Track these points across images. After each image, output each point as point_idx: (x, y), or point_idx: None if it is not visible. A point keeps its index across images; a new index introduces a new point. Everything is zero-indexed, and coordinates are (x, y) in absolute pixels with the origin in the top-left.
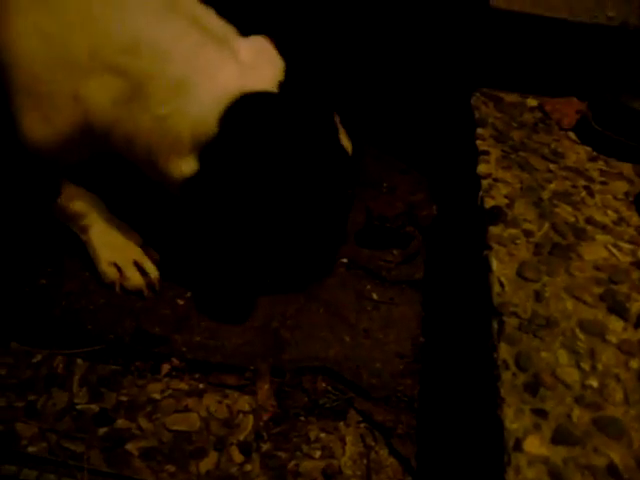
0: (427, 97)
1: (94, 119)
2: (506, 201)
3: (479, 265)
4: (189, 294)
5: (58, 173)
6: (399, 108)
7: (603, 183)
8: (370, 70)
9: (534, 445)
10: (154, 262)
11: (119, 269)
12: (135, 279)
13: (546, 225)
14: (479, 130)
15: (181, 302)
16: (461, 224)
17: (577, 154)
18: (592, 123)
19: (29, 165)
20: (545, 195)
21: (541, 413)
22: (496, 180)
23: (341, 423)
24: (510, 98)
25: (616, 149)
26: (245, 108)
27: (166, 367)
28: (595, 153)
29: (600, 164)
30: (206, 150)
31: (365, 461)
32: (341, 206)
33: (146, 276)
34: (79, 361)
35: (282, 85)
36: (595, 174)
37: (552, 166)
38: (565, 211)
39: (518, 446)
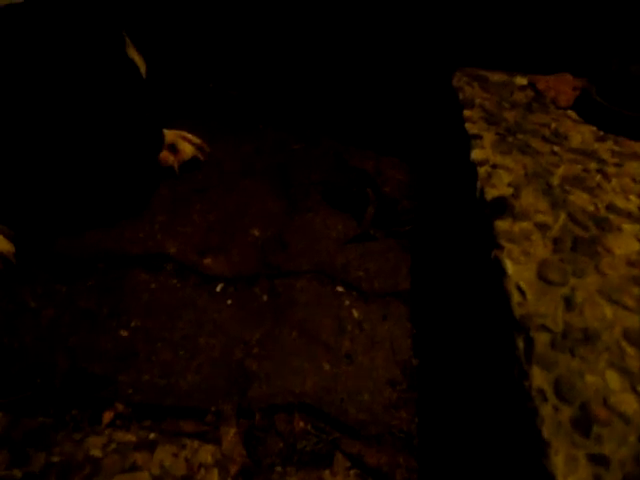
0: (402, 77)
1: None
2: (510, 190)
3: (488, 268)
4: (134, 323)
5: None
6: (374, 90)
7: (617, 165)
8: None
9: None
10: (8, 237)
11: None
12: None
13: (562, 216)
14: (466, 112)
15: (125, 333)
16: (454, 220)
17: (581, 134)
18: (596, 98)
19: None
20: (554, 181)
21: (600, 460)
22: (495, 167)
23: (326, 471)
24: (496, 77)
25: (626, 126)
26: None
27: (108, 415)
28: (602, 132)
29: (609, 144)
30: None
31: None
32: (134, 123)
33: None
34: None
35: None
36: (606, 155)
37: (556, 148)
38: (581, 198)
39: None
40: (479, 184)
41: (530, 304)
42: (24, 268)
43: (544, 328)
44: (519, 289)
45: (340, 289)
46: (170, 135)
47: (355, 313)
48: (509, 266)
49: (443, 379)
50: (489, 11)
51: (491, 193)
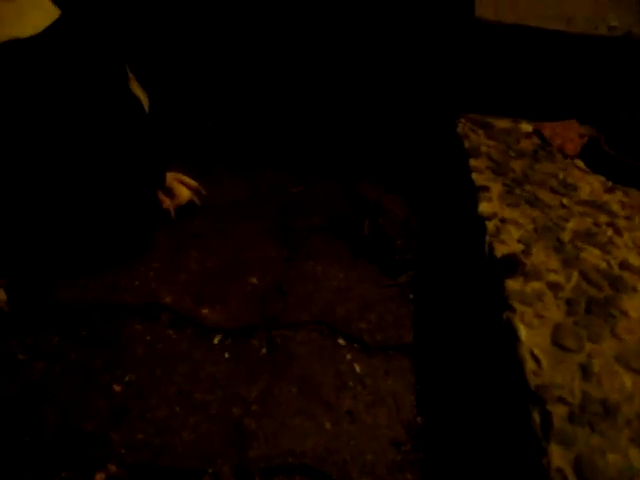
0: (406, 120)
1: None
2: (521, 247)
3: (499, 330)
4: (128, 377)
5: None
6: (378, 132)
7: (628, 218)
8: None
9: None
10: (1, 286)
11: None
12: None
13: (575, 275)
14: (472, 161)
15: (118, 388)
16: (460, 271)
17: (590, 185)
18: (604, 148)
19: None
20: (565, 236)
21: None
22: (504, 221)
23: None
24: (501, 124)
25: (636, 177)
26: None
27: (100, 477)
28: (610, 183)
29: (619, 195)
30: None
31: None
32: (137, 160)
33: None
34: None
35: (51, 31)
36: (616, 207)
37: (565, 200)
38: (593, 255)
39: None
40: (488, 239)
41: (545, 373)
42: (15, 317)
43: (561, 400)
44: (533, 356)
45: (341, 342)
46: (167, 177)
47: (357, 368)
48: (522, 331)
49: (449, 440)
50: (493, 59)
51: (501, 250)
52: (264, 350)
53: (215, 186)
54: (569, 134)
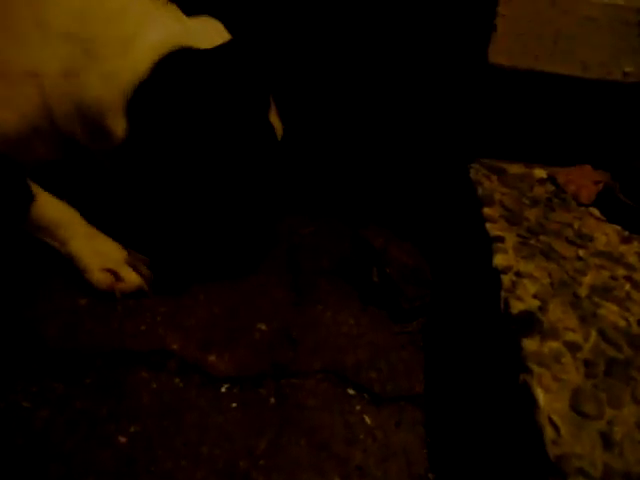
0: (417, 164)
1: (49, 94)
2: (537, 303)
3: (515, 391)
4: (134, 427)
5: (26, 177)
6: (388, 174)
7: None
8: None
9: None
10: (143, 262)
11: (113, 274)
12: (133, 278)
13: (593, 334)
14: (487, 210)
15: (124, 439)
16: (473, 325)
17: (606, 235)
18: (620, 197)
19: None
20: (582, 292)
21: None
22: (519, 275)
23: None
24: (514, 169)
25: None
26: (176, 61)
27: None
28: (627, 232)
29: (636, 246)
30: (132, 104)
31: None
32: (267, 189)
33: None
34: None
35: (221, 50)
36: (633, 259)
37: (581, 252)
38: (611, 312)
39: None
40: (503, 295)
41: (565, 442)
42: (17, 363)
43: (581, 472)
44: (552, 424)
45: (351, 392)
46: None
47: (367, 419)
48: (540, 396)
49: None
50: (507, 103)
51: (517, 307)
52: (272, 400)
53: None
54: (583, 180)
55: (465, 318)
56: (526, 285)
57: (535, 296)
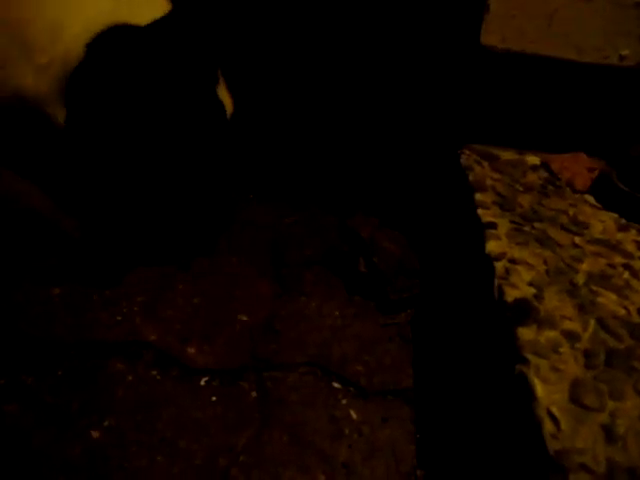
0: (405, 149)
1: None
2: (532, 290)
3: (511, 383)
4: (107, 422)
5: None
6: (374, 160)
7: None
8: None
9: None
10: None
11: None
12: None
13: (592, 323)
14: (478, 196)
15: (96, 434)
16: (464, 315)
17: (602, 222)
18: (618, 184)
19: None
20: (579, 279)
21: None
22: (513, 261)
23: None
24: (506, 155)
25: None
26: (107, 42)
27: None
28: (623, 220)
29: (633, 234)
30: (68, 92)
31: None
32: (215, 167)
33: None
34: None
35: (159, 24)
36: (631, 247)
37: (577, 239)
38: (610, 300)
39: None
40: (497, 282)
41: (565, 436)
42: None
43: (584, 468)
44: (551, 416)
45: (336, 385)
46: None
47: (353, 414)
48: (538, 388)
49: None
50: (499, 87)
51: (511, 294)
52: (254, 394)
53: None
54: (578, 167)
55: (456, 308)
56: (521, 272)
57: (530, 284)
